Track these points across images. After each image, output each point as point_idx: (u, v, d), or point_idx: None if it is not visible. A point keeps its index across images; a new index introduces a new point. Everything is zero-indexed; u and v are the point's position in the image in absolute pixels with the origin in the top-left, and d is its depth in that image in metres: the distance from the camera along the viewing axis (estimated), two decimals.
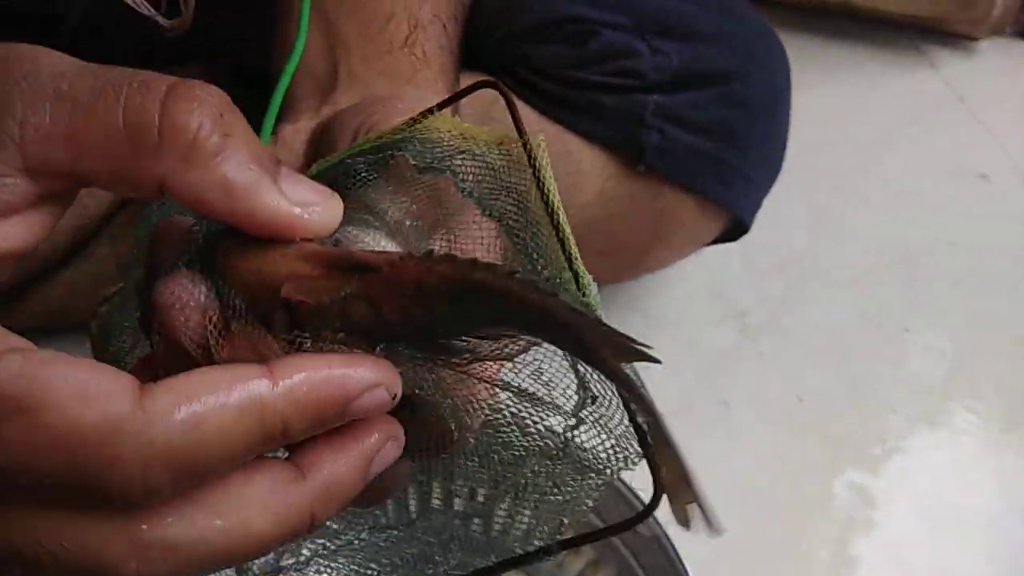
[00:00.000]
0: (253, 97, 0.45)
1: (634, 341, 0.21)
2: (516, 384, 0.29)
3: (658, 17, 0.60)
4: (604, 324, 0.22)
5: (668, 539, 0.51)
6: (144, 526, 0.20)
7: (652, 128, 0.58)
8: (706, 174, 0.61)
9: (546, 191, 0.28)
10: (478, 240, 0.29)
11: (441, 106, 0.30)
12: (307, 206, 0.23)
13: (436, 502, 0.40)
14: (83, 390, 0.19)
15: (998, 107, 1.07)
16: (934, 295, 0.83)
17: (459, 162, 0.29)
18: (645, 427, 0.25)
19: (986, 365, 0.77)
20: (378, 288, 0.23)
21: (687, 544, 0.51)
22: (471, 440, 0.29)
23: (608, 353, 0.22)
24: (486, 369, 0.28)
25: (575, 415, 0.30)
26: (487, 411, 0.28)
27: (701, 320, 0.79)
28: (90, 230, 0.60)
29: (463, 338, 0.25)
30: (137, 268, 0.31)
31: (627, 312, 0.77)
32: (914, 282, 0.85)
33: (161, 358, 0.24)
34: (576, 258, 0.29)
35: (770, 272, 0.84)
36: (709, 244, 0.69)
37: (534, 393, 0.30)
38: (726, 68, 0.60)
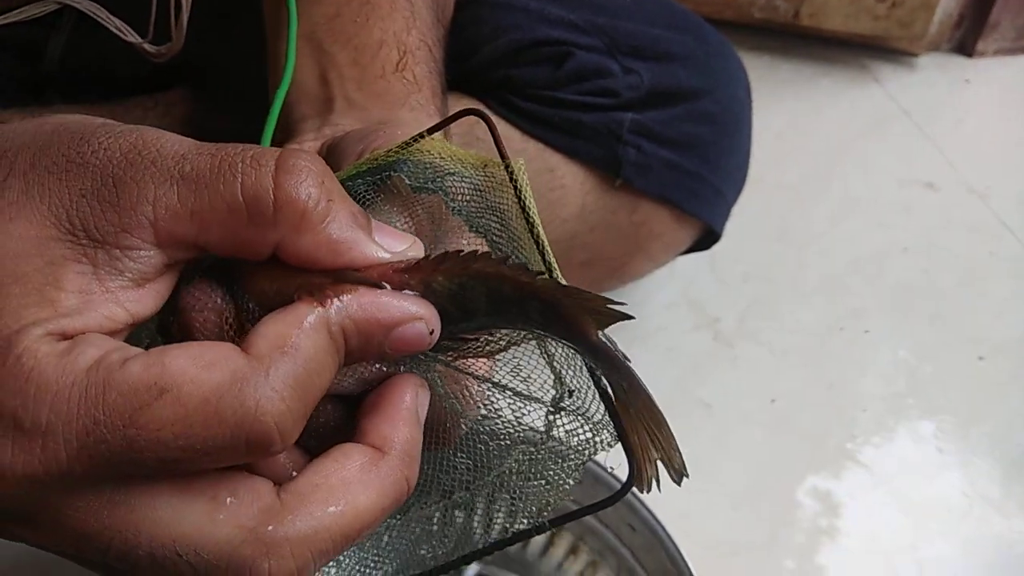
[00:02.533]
0: (239, 119, 0.46)
1: (611, 302, 0.25)
2: (500, 380, 0.32)
3: (628, 39, 0.63)
4: (584, 292, 0.25)
5: (671, 539, 0.53)
6: (270, 527, 0.23)
7: (628, 144, 0.61)
8: (680, 187, 0.64)
9: (527, 209, 0.31)
10: None
11: (431, 131, 0.33)
12: (397, 252, 0.26)
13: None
14: (204, 360, 0.22)
15: (939, 119, 1.13)
16: (891, 297, 0.88)
17: (449, 183, 0.32)
18: (622, 390, 0.28)
19: (943, 361, 0.81)
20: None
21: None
22: (462, 430, 0.32)
23: (588, 325, 0.25)
24: (476, 366, 0.31)
25: (555, 406, 0.33)
26: (479, 403, 0.31)
27: (677, 329, 0.82)
28: None
29: (456, 335, 0.28)
30: None
31: None
32: (872, 286, 0.89)
33: None
34: (554, 266, 0.32)
35: (739, 281, 0.88)
36: (683, 253, 0.72)
37: (516, 388, 0.32)
38: (694, 86, 0.63)
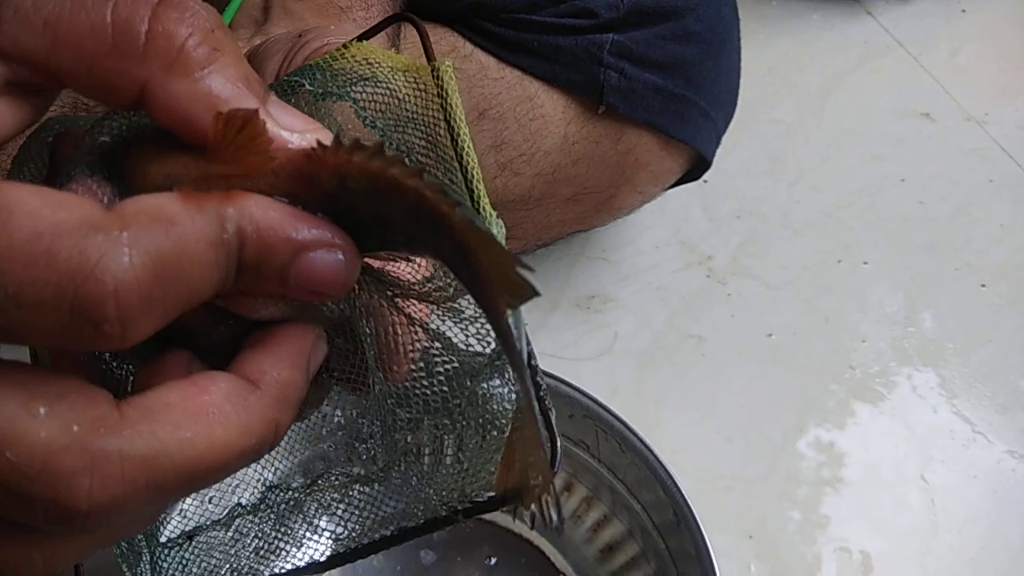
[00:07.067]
0: None
1: (524, 266, 0.19)
2: (434, 326, 0.27)
3: None
4: (500, 249, 0.20)
5: (667, 472, 0.51)
6: (101, 437, 0.18)
7: (610, 67, 0.59)
8: (665, 111, 0.62)
9: (452, 119, 0.26)
10: None
11: (361, 38, 0.28)
12: (295, 133, 0.21)
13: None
14: (52, 197, 0.18)
15: (935, 49, 1.10)
16: (889, 229, 0.86)
17: (359, 89, 0.27)
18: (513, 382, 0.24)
19: (944, 289, 0.79)
20: (297, 184, 0.21)
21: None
22: (402, 379, 0.27)
23: (500, 297, 0.20)
24: (416, 310, 0.26)
25: (488, 364, 0.28)
26: (416, 352, 0.26)
27: (669, 267, 0.80)
28: None
29: (380, 252, 0.23)
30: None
31: (598, 263, 0.77)
32: (869, 218, 0.87)
33: None
34: (481, 195, 0.27)
35: (730, 218, 0.86)
36: (674, 185, 0.69)
37: (451, 338, 0.27)
38: (676, 3, 0.60)
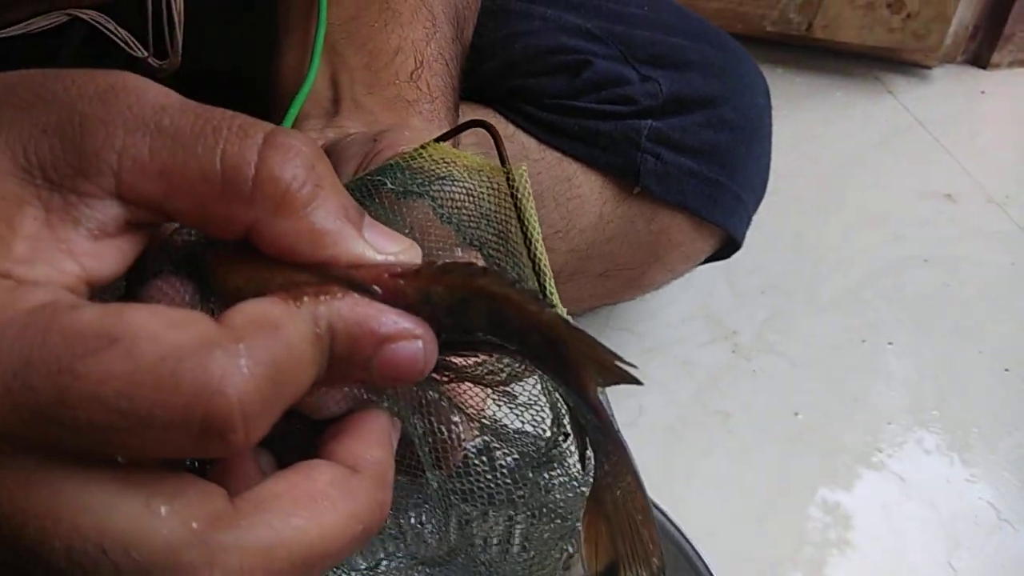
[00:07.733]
0: (227, 103, 0.45)
1: (619, 359, 0.21)
2: (489, 414, 0.28)
3: (646, 48, 0.62)
4: (593, 341, 0.22)
5: (700, 557, 0.51)
6: (220, 531, 0.19)
7: (647, 152, 0.60)
8: (699, 194, 0.63)
9: (525, 220, 0.28)
10: None
11: (439, 140, 0.31)
12: (389, 255, 0.23)
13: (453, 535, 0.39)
14: (169, 318, 0.19)
15: (956, 130, 1.12)
16: (912, 309, 0.86)
17: (438, 188, 0.29)
18: (604, 465, 0.25)
19: (968, 373, 0.80)
20: (383, 297, 0.22)
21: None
22: (453, 468, 0.28)
23: (589, 376, 0.22)
24: (470, 398, 0.28)
25: (546, 452, 0.29)
26: (468, 442, 0.27)
27: (694, 341, 0.80)
28: None
29: (455, 350, 0.25)
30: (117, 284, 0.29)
31: (624, 335, 0.78)
32: (892, 298, 0.88)
33: None
34: (552, 291, 0.29)
35: (756, 294, 0.87)
36: (704, 263, 0.70)
37: (505, 426, 0.28)
38: (712, 93, 0.62)
